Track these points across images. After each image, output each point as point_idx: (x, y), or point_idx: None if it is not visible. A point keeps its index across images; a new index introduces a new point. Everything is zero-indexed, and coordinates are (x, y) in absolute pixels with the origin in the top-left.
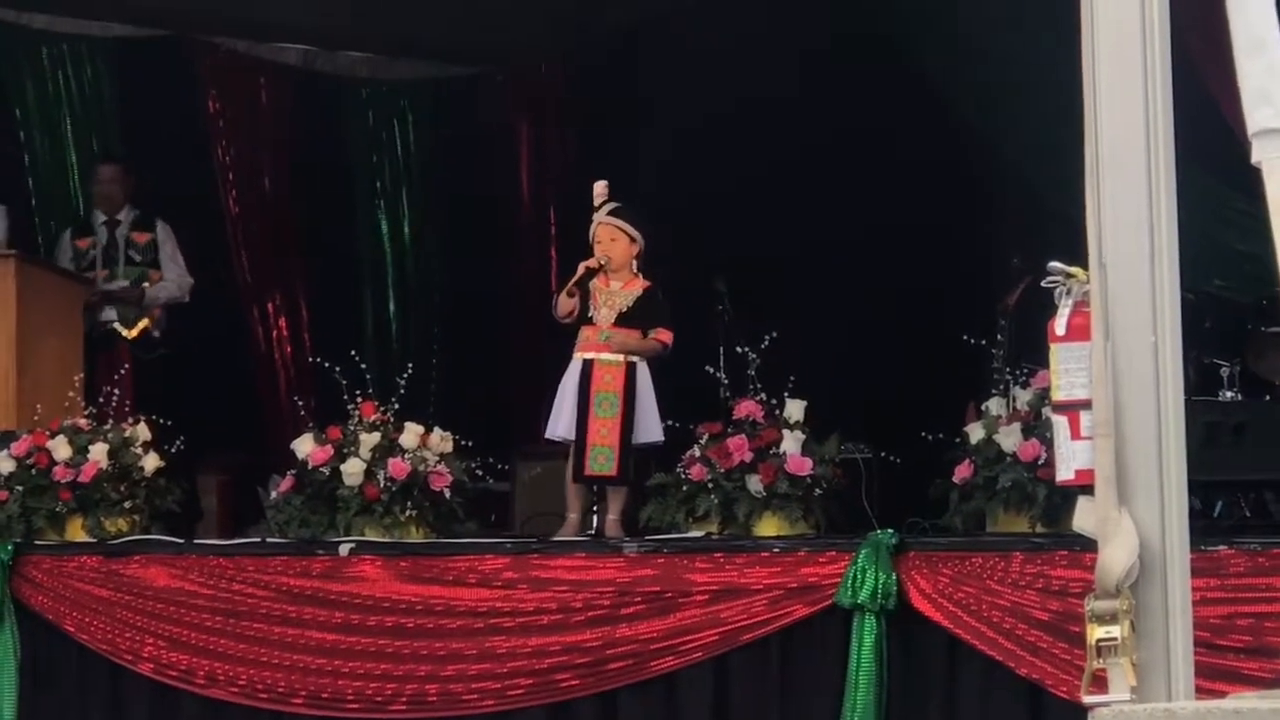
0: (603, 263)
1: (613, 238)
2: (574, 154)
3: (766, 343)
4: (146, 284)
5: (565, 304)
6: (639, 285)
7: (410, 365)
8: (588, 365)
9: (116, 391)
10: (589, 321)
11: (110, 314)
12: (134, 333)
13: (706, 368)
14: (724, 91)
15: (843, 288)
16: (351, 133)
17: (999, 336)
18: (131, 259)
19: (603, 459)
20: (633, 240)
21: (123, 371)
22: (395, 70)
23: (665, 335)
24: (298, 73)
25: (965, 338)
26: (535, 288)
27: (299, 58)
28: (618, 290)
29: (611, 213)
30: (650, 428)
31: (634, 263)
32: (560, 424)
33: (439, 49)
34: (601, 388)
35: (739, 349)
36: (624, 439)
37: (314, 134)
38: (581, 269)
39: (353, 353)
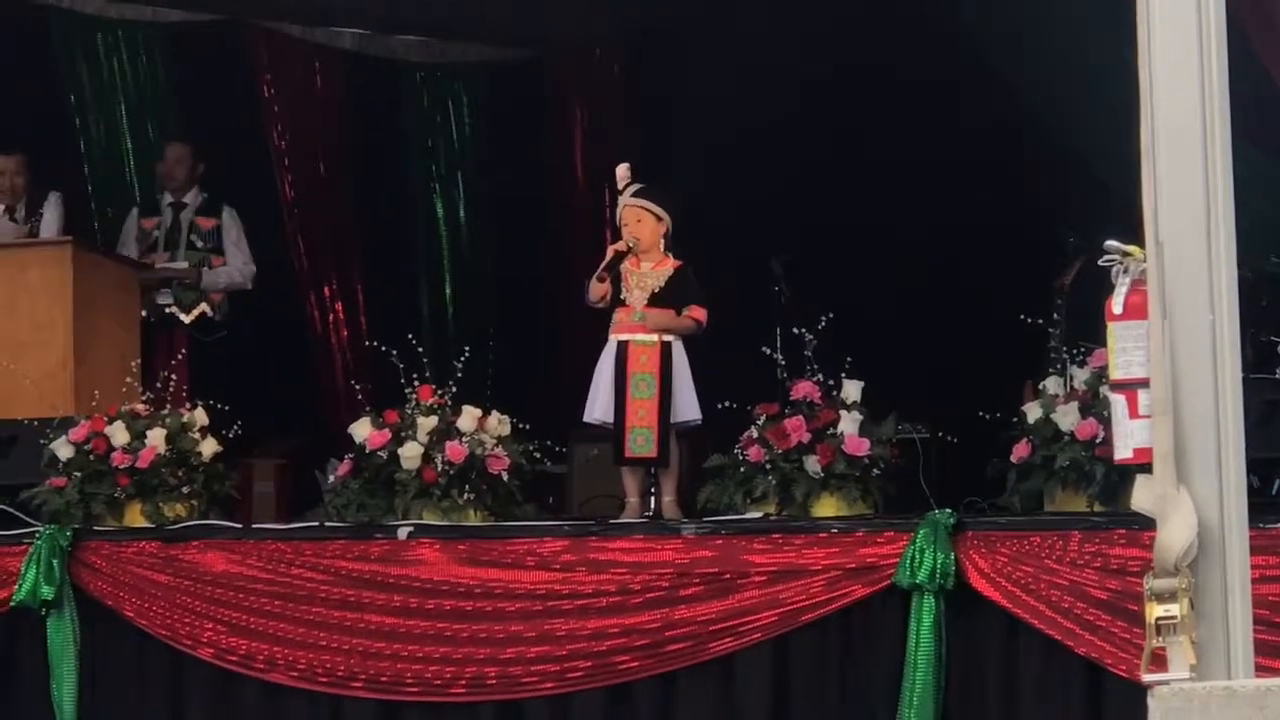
0: (630, 245)
1: (639, 219)
2: (629, 136)
3: (823, 323)
4: (206, 268)
5: (597, 289)
6: (670, 265)
7: (466, 349)
8: (622, 347)
9: (174, 377)
10: (622, 304)
11: (167, 297)
12: (191, 316)
13: (763, 348)
14: (780, 71)
15: (900, 267)
16: (406, 117)
17: (1056, 315)
18: (193, 243)
19: (642, 440)
20: (659, 219)
21: (180, 356)
22: (449, 53)
23: (699, 312)
24: (352, 57)
25: (1022, 317)
26: (590, 271)
27: (353, 42)
28: (649, 271)
29: (635, 194)
30: (688, 406)
31: (663, 242)
32: (596, 407)
33: (494, 32)
34: (637, 369)
35: (795, 329)
36: (662, 419)
37: (369, 118)
38: (610, 253)
39: (409, 336)
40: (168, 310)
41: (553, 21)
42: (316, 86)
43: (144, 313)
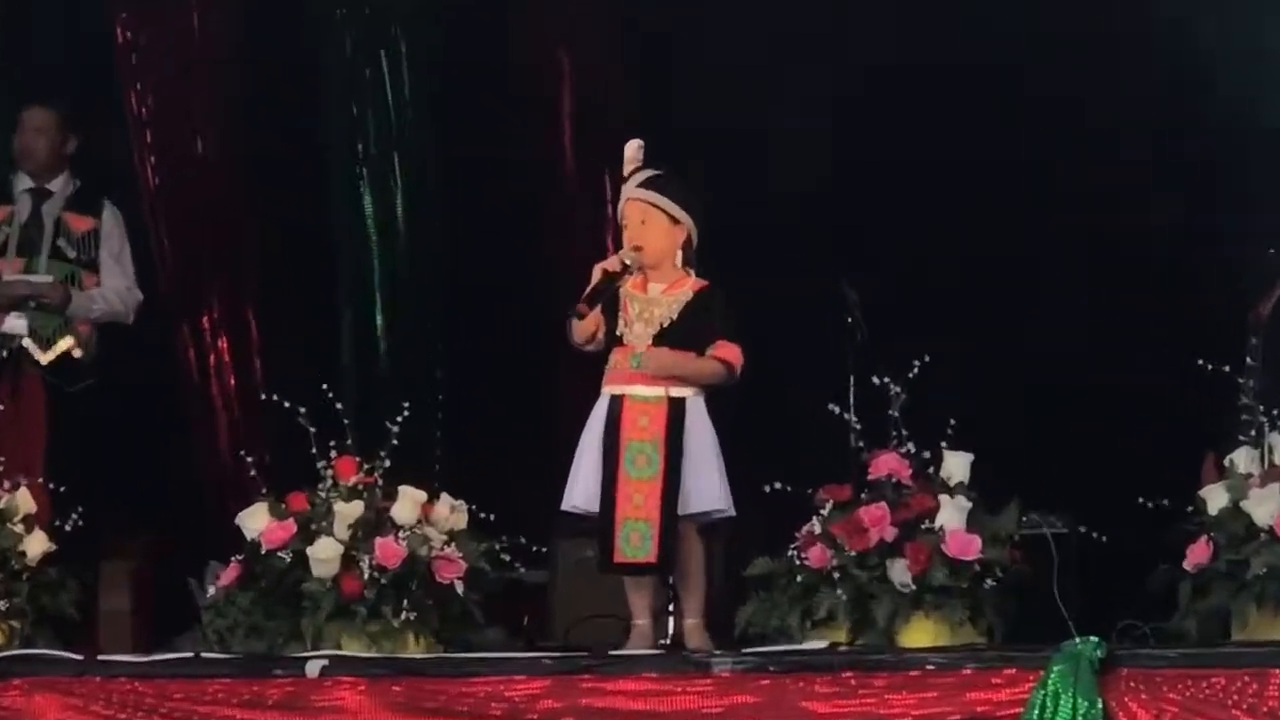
0: (628, 261)
1: (643, 219)
2: (635, 101)
3: (916, 370)
4: (75, 287)
5: (581, 325)
6: (689, 286)
7: (406, 405)
8: (616, 404)
9: None
10: (619, 342)
11: (18, 324)
12: (51, 355)
13: (829, 406)
14: (876, 34)
15: (1024, 294)
16: (323, 72)
17: (1248, 360)
18: (60, 250)
19: (637, 539)
20: (675, 222)
21: (29, 409)
22: None
23: (729, 351)
24: None
25: (1200, 362)
26: (585, 287)
27: None
28: (658, 296)
29: (644, 183)
30: (708, 492)
31: (680, 255)
32: (577, 489)
33: None
34: (635, 435)
35: (876, 379)
36: (667, 509)
37: (270, 74)
38: (597, 273)
39: (324, 386)
40: (17, 343)
41: None
42: (193, 28)
43: None
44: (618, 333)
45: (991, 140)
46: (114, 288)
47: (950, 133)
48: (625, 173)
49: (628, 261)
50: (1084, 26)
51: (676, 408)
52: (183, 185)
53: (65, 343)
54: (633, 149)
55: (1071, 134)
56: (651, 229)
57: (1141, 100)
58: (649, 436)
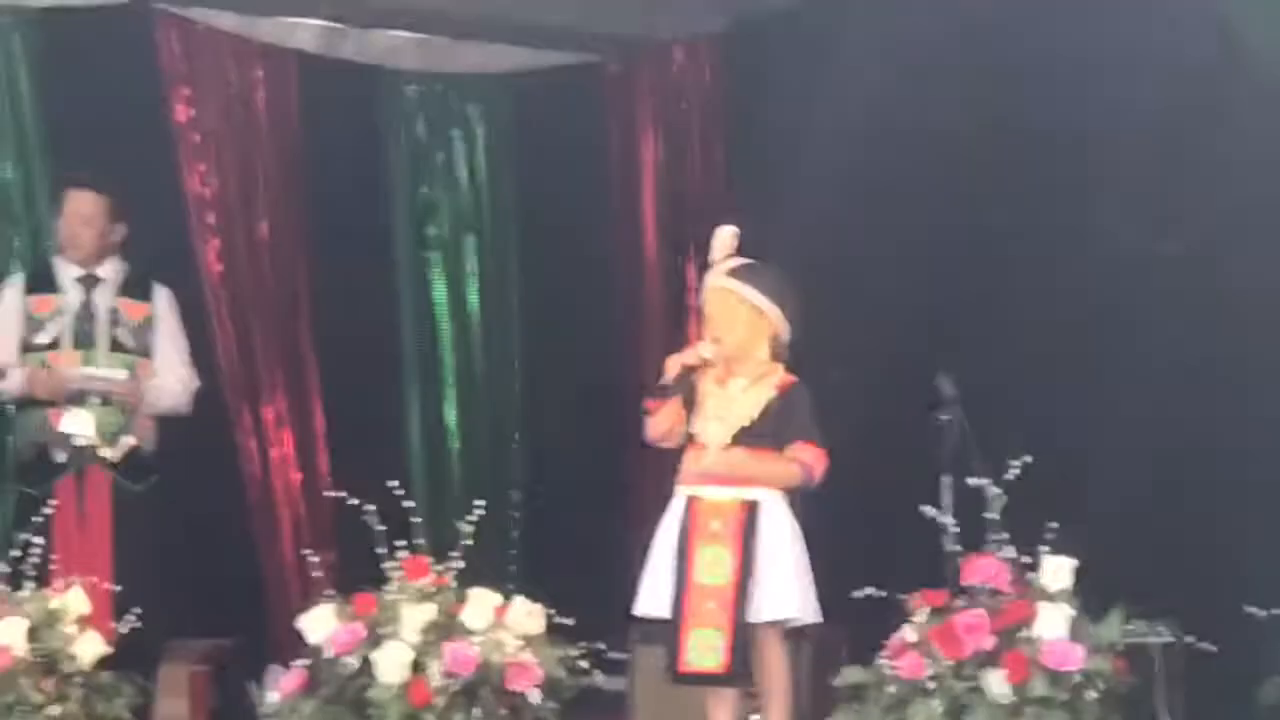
0: (706, 354)
1: (728, 309)
2: (725, 175)
3: (1017, 469)
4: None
5: (656, 421)
6: (772, 383)
7: (480, 502)
8: (689, 506)
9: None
10: (694, 440)
11: (79, 423)
12: (118, 452)
13: (922, 507)
14: (947, 89)
15: (1129, 380)
16: (392, 150)
17: None
18: (119, 341)
19: (706, 647)
20: (760, 314)
21: (94, 510)
22: (457, 58)
23: (809, 451)
24: (314, 61)
25: None
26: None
27: (316, 39)
28: (738, 393)
29: (733, 273)
30: (787, 599)
31: (767, 349)
32: (650, 593)
33: (526, 27)
34: (706, 539)
35: (972, 479)
36: (739, 615)
37: (337, 152)
38: (675, 366)
39: (393, 483)
40: (78, 443)
41: (616, 9)
42: (258, 105)
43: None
44: (693, 430)
45: (1098, 225)
46: (175, 376)
47: (1053, 213)
48: (715, 259)
49: (707, 355)
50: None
51: (751, 510)
52: (246, 269)
53: (130, 439)
54: (725, 236)
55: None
56: (735, 322)
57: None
58: (722, 540)
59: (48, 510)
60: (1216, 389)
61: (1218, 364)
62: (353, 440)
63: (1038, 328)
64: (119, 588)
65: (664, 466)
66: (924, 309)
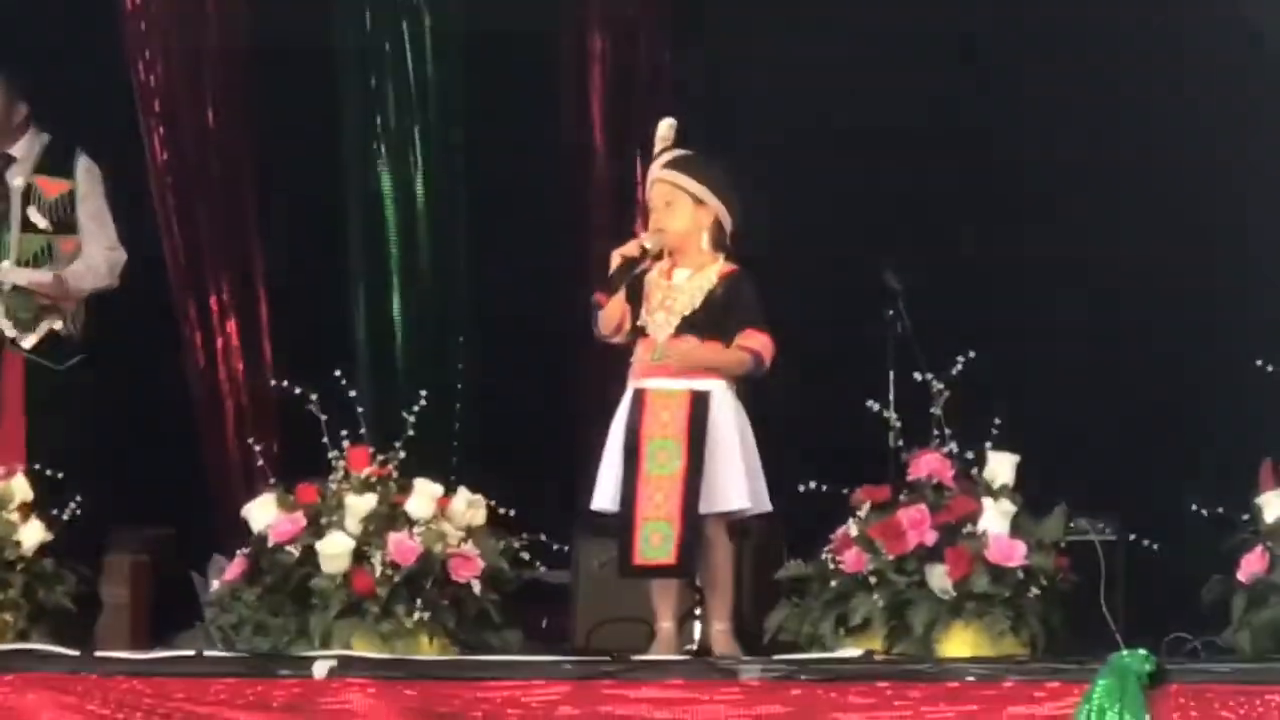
0: (649, 245)
1: (668, 201)
2: (674, 73)
3: (960, 366)
4: (50, 265)
5: (606, 316)
6: (714, 271)
7: (423, 394)
8: (638, 399)
9: None
10: (644, 333)
11: None
12: (36, 337)
13: (868, 403)
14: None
15: (1075, 288)
16: (340, 43)
17: None
18: (31, 221)
19: (658, 539)
20: (698, 203)
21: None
22: None
23: (757, 339)
24: None
25: (1259, 363)
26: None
27: None
28: (683, 283)
29: (670, 164)
30: (736, 490)
31: (705, 238)
32: (604, 488)
33: None
34: (656, 430)
35: (918, 375)
36: (689, 508)
37: (282, 44)
38: (616, 259)
39: (337, 373)
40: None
41: None
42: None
43: None
44: (640, 323)
45: (1047, 136)
46: (96, 253)
47: (1005, 124)
48: (655, 152)
49: (648, 245)
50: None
51: (700, 401)
52: (192, 159)
53: (52, 323)
54: (664, 128)
55: (1133, 133)
56: (675, 211)
57: (1196, 98)
58: (671, 432)
59: None
60: (1156, 293)
61: (1157, 270)
62: (297, 330)
63: (994, 233)
64: (60, 475)
65: (609, 361)
66: (870, 209)
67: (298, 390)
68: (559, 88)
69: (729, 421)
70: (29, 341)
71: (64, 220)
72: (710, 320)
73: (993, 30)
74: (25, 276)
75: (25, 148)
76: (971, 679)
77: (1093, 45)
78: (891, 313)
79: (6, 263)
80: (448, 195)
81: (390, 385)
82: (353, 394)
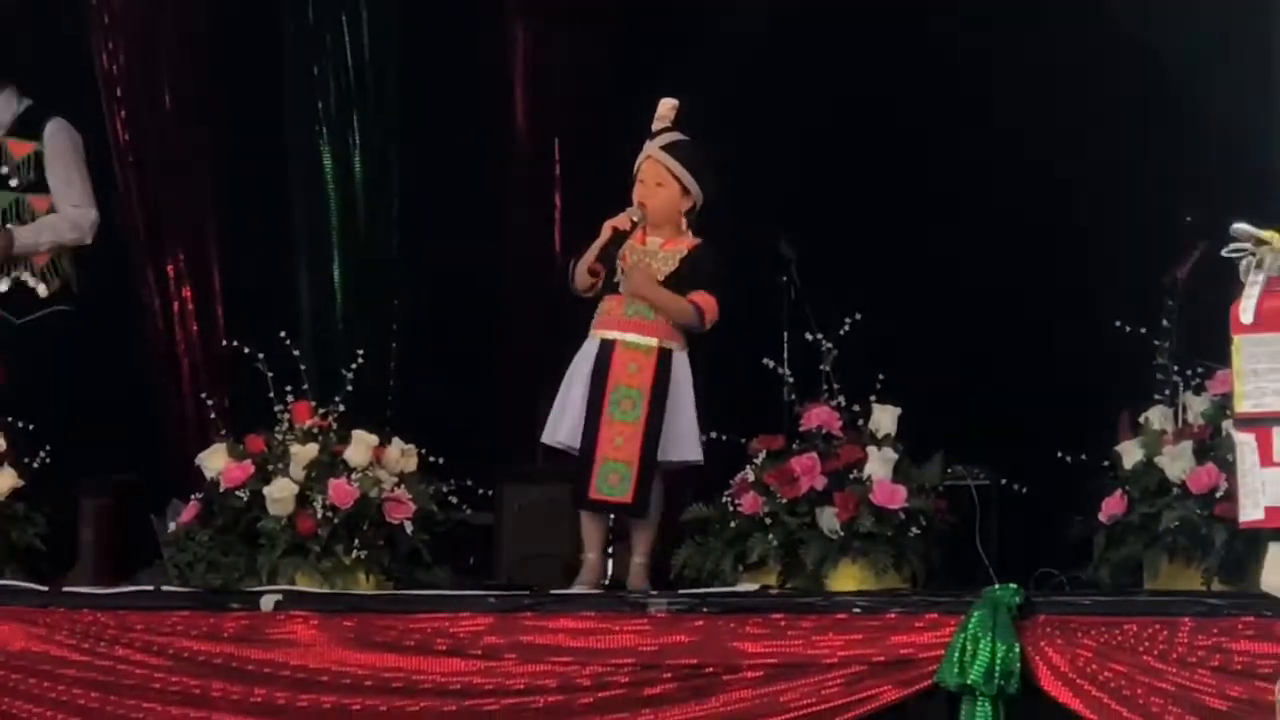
0: (636, 220)
1: (659, 181)
2: (590, 68)
3: (847, 326)
4: (13, 223)
5: (586, 276)
6: (685, 244)
7: (360, 352)
8: (606, 348)
9: None
10: (614, 291)
11: None
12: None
13: (764, 360)
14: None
15: (951, 253)
16: (286, 35)
17: (1164, 322)
18: (3, 179)
19: (615, 478)
20: (685, 192)
21: None
22: None
23: (703, 299)
24: None
25: (1118, 323)
26: (532, 247)
27: None
28: (656, 250)
29: (667, 146)
30: (685, 442)
31: (683, 220)
32: (564, 425)
33: None
34: (623, 379)
35: (809, 335)
36: (646, 453)
37: (235, 36)
38: (608, 231)
39: (281, 334)
40: None
41: None
42: None
43: None
44: (615, 280)
45: (924, 102)
46: (64, 213)
47: (882, 90)
48: (654, 128)
49: (636, 220)
50: None
51: (665, 358)
52: (150, 140)
53: (19, 275)
54: (665, 107)
55: (1002, 103)
56: (664, 192)
57: (1078, 65)
58: (636, 383)
59: None
60: (1028, 261)
61: (1029, 233)
62: (246, 295)
63: (876, 204)
64: (30, 426)
65: (526, 323)
66: (772, 184)
67: (246, 350)
68: (486, 74)
69: (686, 380)
70: None
71: (32, 180)
72: (679, 284)
73: None
74: None
75: (1, 106)
76: (858, 611)
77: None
78: (785, 278)
79: None
80: (382, 172)
81: (330, 345)
82: (296, 353)
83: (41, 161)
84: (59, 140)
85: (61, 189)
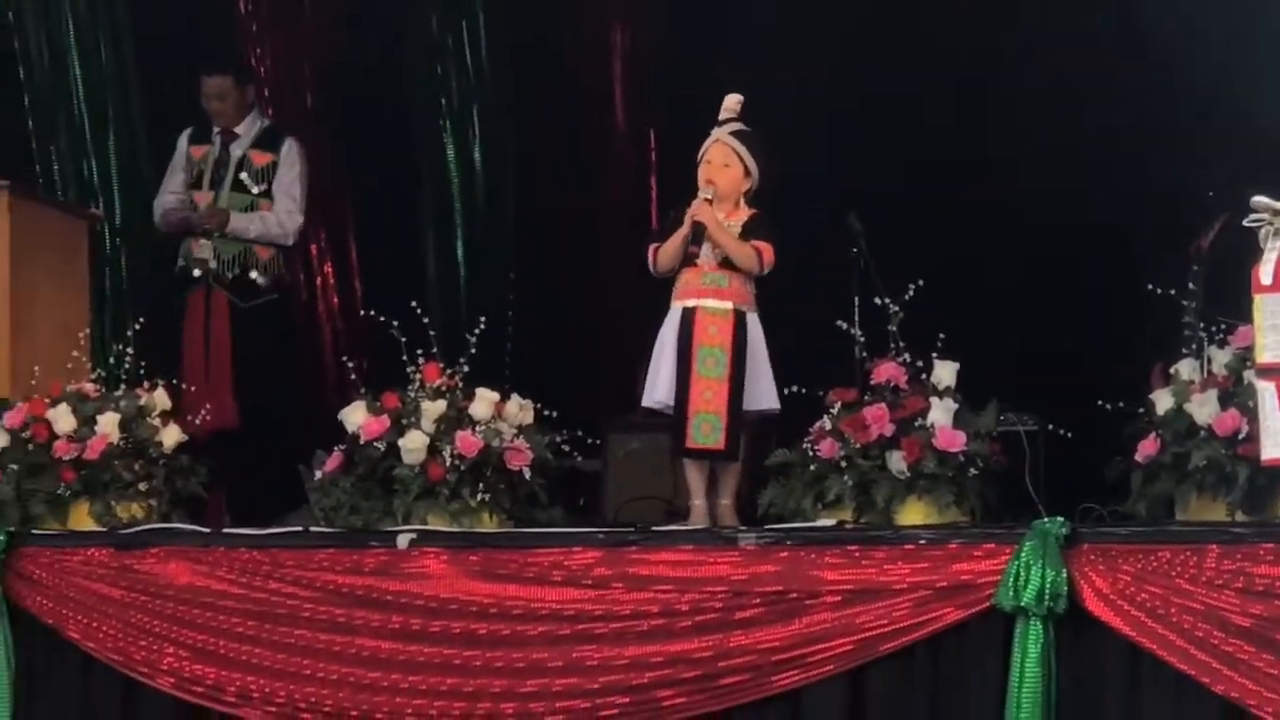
0: (709, 196)
1: (727, 163)
2: (678, 62)
3: (911, 292)
4: (239, 212)
5: (673, 261)
6: (744, 214)
7: (483, 319)
8: (688, 315)
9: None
10: (690, 264)
11: (203, 249)
12: (230, 274)
13: (838, 322)
14: None
15: (1003, 226)
16: (411, 38)
17: (1191, 285)
18: (242, 184)
19: (708, 428)
20: (747, 173)
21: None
22: None
23: (765, 247)
24: None
25: (1150, 286)
26: (632, 225)
27: None
28: (722, 220)
29: (736, 134)
30: (764, 393)
31: (742, 198)
32: (659, 388)
33: None
34: (705, 341)
35: (877, 300)
36: (733, 404)
37: (365, 40)
38: (690, 221)
39: (413, 304)
40: (210, 265)
41: None
42: (302, 3)
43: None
44: (689, 255)
45: (972, 83)
46: (278, 214)
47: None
48: (720, 119)
49: (708, 196)
50: None
51: (740, 320)
52: (292, 132)
53: (244, 269)
54: (731, 101)
55: (1041, 74)
56: (731, 173)
57: (1108, 47)
58: (717, 342)
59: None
60: (1069, 230)
61: (1075, 206)
62: (381, 270)
63: (945, 183)
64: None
65: (625, 294)
66: (841, 163)
67: (382, 318)
68: (588, 72)
69: (759, 339)
70: (226, 275)
71: (266, 188)
72: None
73: None
74: (192, 205)
75: (246, 127)
76: (923, 542)
77: None
78: (855, 250)
79: (202, 204)
80: (498, 159)
81: (455, 313)
82: (426, 320)
83: (275, 171)
84: (291, 155)
85: (279, 195)
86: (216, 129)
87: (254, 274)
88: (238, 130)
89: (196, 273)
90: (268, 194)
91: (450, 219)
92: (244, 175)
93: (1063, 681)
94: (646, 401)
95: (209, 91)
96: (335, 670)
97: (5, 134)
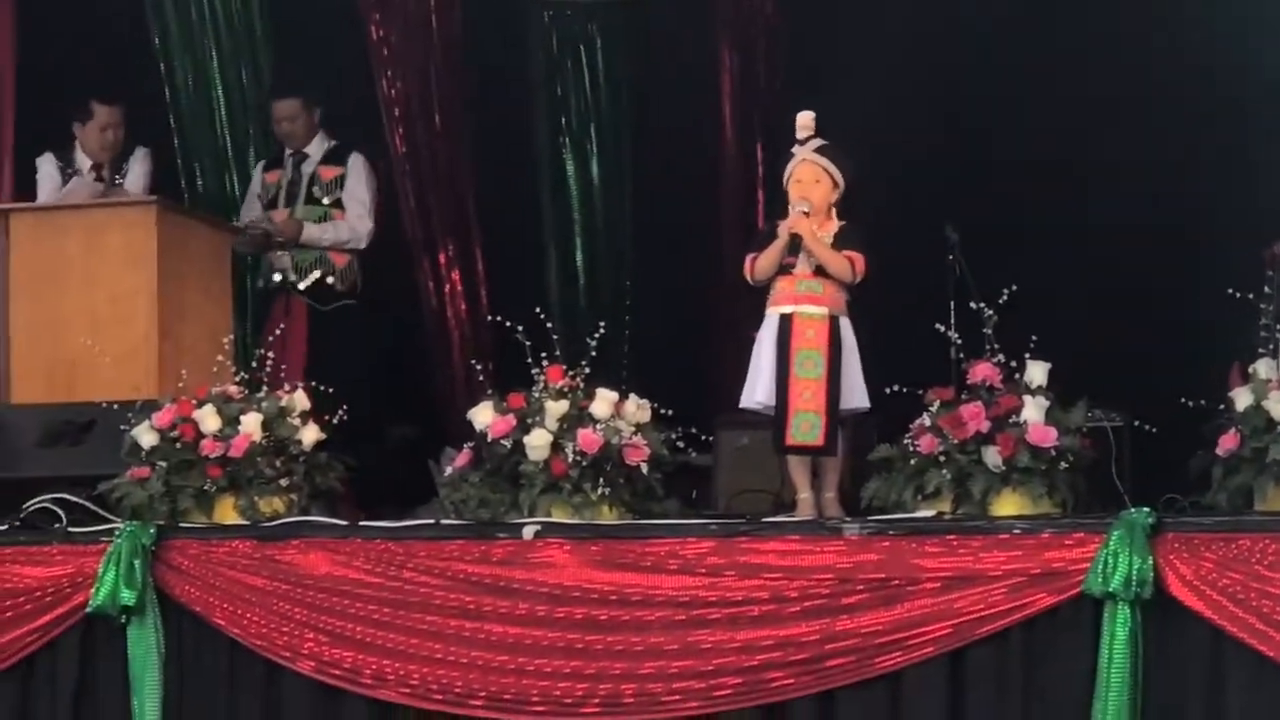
0: (806, 211)
1: (816, 179)
2: (783, 81)
3: (1005, 297)
4: (312, 222)
5: (771, 270)
6: (834, 225)
7: (601, 324)
8: (785, 320)
9: (271, 354)
10: (785, 272)
11: (281, 259)
12: (307, 282)
13: (936, 325)
14: (956, 11)
15: (1089, 234)
16: (532, 61)
17: (1267, 289)
18: (314, 196)
19: (807, 426)
20: (835, 185)
21: (280, 330)
22: None
23: (857, 257)
24: None
25: (1230, 290)
26: (739, 234)
27: None
28: (816, 235)
29: (820, 150)
30: (855, 392)
31: (833, 210)
32: (759, 389)
33: None
34: (803, 344)
35: (973, 304)
36: (830, 403)
37: (489, 64)
38: (785, 234)
39: (536, 310)
40: (282, 273)
41: None
42: (431, 28)
43: (261, 281)
44: (785, 262)
45: (1062, 91)
46: (349, 222)
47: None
48: (800, 138)
49: (805, 209)
50: None
51: (834, 324)
52: (422, 152)
53: (318, 272)
54: (806, 118)
55: (1127, 88)
56: (820, 187)
57: (1194, 49)
58: (814, 345)
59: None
60: (1153, 237)
61: (1161, 212)
62: (506, 279)
63: (1035, 192)
64: (329, 389)
65: (735, 303)
66: (937, 177)
67: (507, 323)
68: (699, 91)
69: (851, 341)
70: (303, 285)
71: (337, 199)
72: None
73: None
74: (267, 218)
75: (315, 146)
76: (1018, 531)
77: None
78: (951, 257)
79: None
80: (616, 173)
81: (576, 318)
82: (549, 325)
83: (344, 183)
84: (357, 166)
85: (349, 204)
86: (289, 151)
87: (331, 279)
88: (308, 150)
89: (276, 277)
90: (339, 204)
91: (570, 231)
92: (315, 189)
93: (1148, 662)
94: (745, 402)
95: (279, 114)
96: (465, 654)
97: (156, 153)
